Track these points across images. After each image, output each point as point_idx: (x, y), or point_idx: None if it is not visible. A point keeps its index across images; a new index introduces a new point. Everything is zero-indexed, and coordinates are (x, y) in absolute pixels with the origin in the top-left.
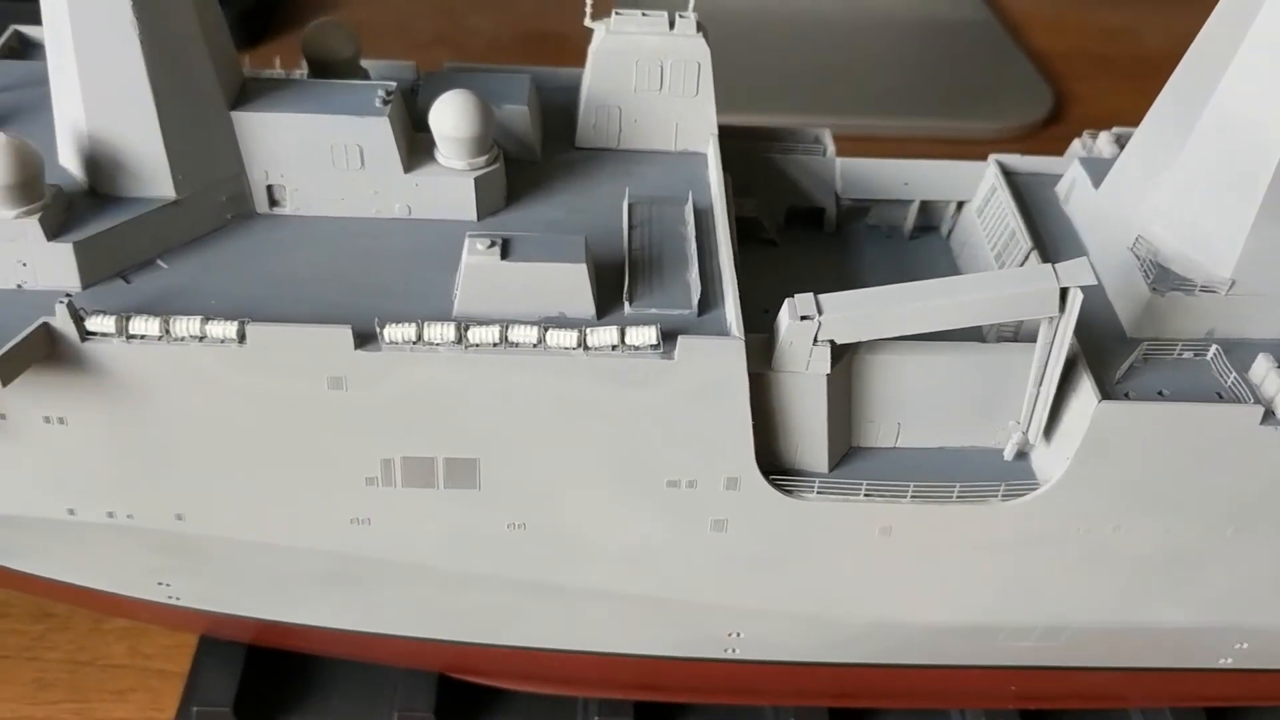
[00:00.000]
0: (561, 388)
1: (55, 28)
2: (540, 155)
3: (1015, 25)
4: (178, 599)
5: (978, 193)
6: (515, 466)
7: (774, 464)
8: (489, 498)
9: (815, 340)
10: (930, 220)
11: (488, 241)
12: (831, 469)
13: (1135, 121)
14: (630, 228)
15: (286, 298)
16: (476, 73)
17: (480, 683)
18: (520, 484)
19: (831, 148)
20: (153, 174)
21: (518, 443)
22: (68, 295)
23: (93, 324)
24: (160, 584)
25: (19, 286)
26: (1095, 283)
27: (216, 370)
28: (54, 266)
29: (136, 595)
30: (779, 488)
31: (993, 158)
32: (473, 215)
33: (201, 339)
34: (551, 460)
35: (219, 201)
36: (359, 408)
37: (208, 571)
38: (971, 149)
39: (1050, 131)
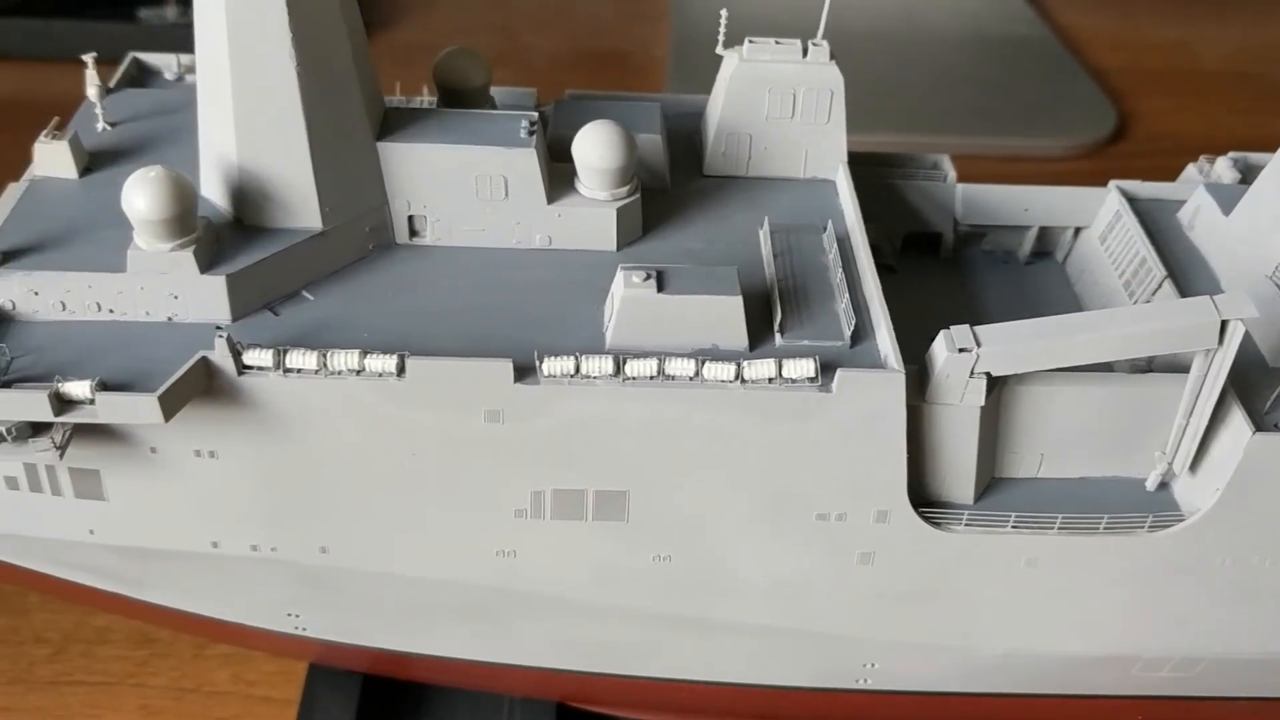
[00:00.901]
0: (715, 420)
1: (211, 61)
2: (669, 183)
3: (1072, 42)
4: (304, 629)
5: (1098, 219)
6: (664, 499)
7: (919, 495)
8: (636, 530)
9: (972, 373)
10: (1045, 246)
11: (643, 274)
12: (976, 500)
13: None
14: (773, 256)
15: (436, 329)
16: (603, 101)
17: (600, 711)
18: (669, 516)
19: (952, 174)
20: (301, 206)
21: (668, 475)
22: (219, 328)
23: (250, 358)
24: (290, 615)
25: (170, 319)
26: (1257, 315)
27: (373, 403)
28: (206, 299)
29: (261, 625)
30: (928, 520)
31: (1113, 184)
32: (613, 245)
33: (359, 372)
34: (701, 492)
35: (363, 232)
36: (513, 440)
37: (342, 603)
38: (1039, 167)
39: (1118, 149)
